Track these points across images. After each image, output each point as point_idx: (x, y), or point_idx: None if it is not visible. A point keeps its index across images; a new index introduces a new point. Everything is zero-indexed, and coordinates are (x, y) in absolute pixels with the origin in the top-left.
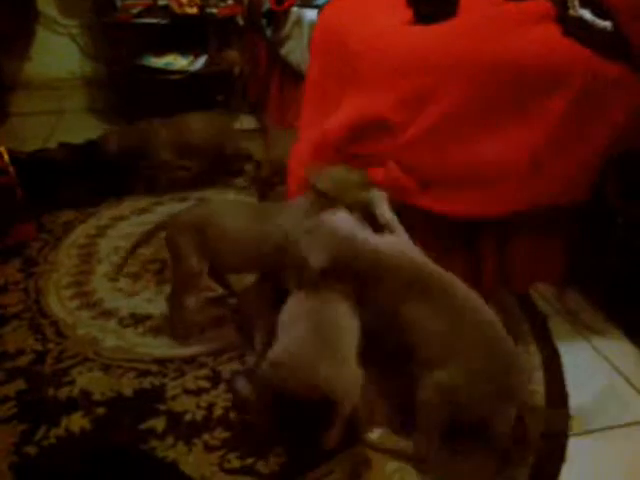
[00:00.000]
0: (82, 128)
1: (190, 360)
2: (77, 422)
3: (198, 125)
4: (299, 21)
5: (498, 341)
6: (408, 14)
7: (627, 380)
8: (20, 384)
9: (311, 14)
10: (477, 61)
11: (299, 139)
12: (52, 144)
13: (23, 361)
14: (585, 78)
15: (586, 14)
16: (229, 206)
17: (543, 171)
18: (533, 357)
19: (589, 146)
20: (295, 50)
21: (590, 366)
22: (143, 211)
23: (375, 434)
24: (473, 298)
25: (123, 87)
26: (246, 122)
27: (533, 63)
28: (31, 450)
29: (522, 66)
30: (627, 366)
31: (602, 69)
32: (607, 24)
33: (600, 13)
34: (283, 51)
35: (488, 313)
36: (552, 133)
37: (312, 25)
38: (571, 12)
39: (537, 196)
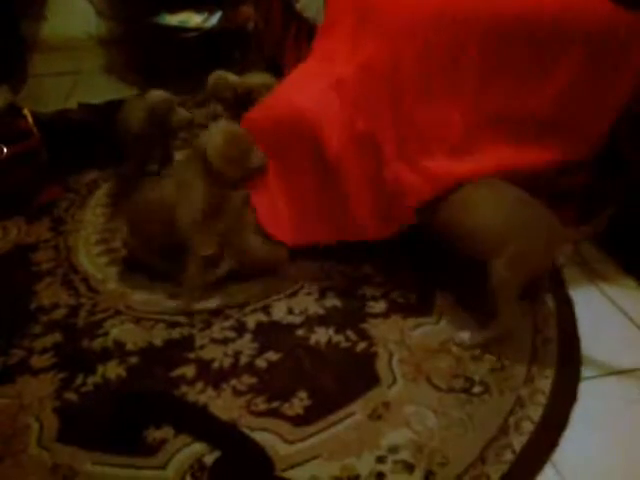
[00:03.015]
0: (100, 88)
1: (216, 312)
2: (112, 370)
3: None
4: None
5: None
6: None
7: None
8: (57, 336)
9: None
10: (493, 15)
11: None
12: (71, 105)
13: (58, 315)
14: (602, 27)
15: None
16: None
17: (565, 121)
18: (547, 305)
19: (612, 93)
20: (311, 5)
21: (603, 315)
22: None
23: (465, 334)
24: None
25: (139, 46)
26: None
27: (549, 15)
28: (71, 396)
29: (539, 18)
30: None
31: (618, 17)
32: None
33: None
34: (298, 6)
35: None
36: (574, 81)
37: None
38: None
39: (558, 147)
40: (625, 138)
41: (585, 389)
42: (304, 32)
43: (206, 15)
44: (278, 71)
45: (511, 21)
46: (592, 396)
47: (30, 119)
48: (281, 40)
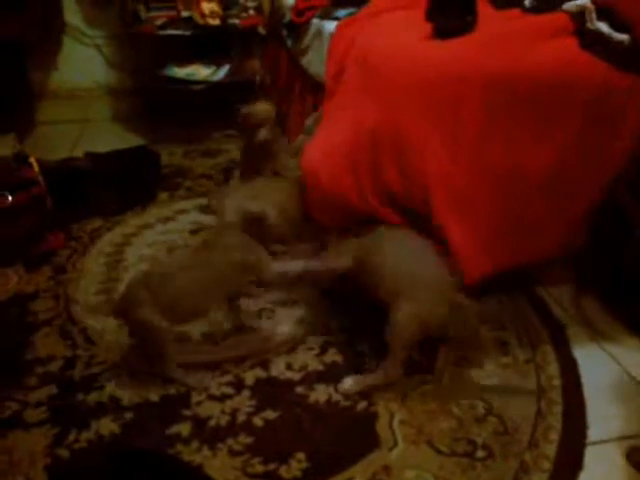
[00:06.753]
0: (107, 137)
1: (214, 367)
2: (107, 426)
3: None
4: (319, 33)
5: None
6: (427, 29)
7: None
8: (52, 389)
9: (331, 26)
10: (493, 76)
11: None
12: (78, 153)
13: (54, 367)
14: (600, 90)
15: (603, 27)
16: None
17: (566, 183)
18: (551, 365)
19: (609, 156)
20: (315, 61)
21: (608, 375)
22: (168, 220)
23: (348, 381)
24: None
25: (147, 97)
26: None
27: (549, 77)
28: (63, 453)
29: (538, 80)
30: None
31: (617, 81)
32: (624, 37)
33: (617, 26)
34: (304, 61)
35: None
36: (572, 144)
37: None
38: (588, 25)
39: (559, 206)
40: (629, 196)
41: (590, 454)
42: (309, 87)
43: (214, 68)
44: (282, 123)
45: (512, 81)
46: (598, 461)
47: (36, 167)
48: (286, 94)
